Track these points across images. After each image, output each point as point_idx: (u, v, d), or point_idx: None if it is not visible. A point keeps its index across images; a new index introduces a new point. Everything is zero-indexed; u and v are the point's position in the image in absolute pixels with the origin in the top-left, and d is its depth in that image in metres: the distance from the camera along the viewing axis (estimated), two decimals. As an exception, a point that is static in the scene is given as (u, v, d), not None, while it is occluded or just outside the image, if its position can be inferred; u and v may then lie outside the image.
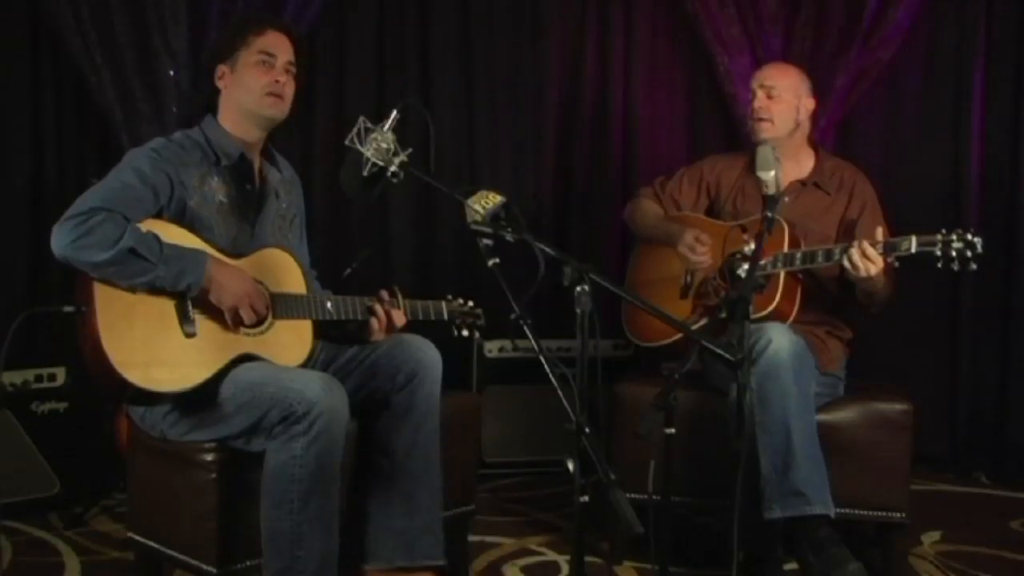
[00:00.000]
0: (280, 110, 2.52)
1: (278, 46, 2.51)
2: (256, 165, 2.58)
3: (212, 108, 2.55)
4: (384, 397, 2.49)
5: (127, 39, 3.71)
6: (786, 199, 3.11)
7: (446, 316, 2.72)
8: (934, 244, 2.65)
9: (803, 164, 3.20)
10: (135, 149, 2.46)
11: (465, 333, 2.76)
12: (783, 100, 3.13)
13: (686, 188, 3.32)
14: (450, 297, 2.75)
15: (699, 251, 3.05)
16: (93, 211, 2.24)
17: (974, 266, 2.63)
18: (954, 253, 2.62)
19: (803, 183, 3.16)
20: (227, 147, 2.51)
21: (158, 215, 2.37)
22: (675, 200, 3.32)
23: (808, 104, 3.18)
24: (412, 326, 2.64)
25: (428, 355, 2.52)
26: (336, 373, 2.42)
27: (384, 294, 2.60)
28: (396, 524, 2.46)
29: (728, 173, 3.27)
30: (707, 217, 3.26)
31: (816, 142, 3.28)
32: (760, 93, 3.14)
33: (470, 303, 2.77)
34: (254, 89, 2.48)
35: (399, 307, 2.60)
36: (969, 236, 2.62)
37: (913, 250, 2.68)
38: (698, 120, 4.39)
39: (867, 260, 2.71)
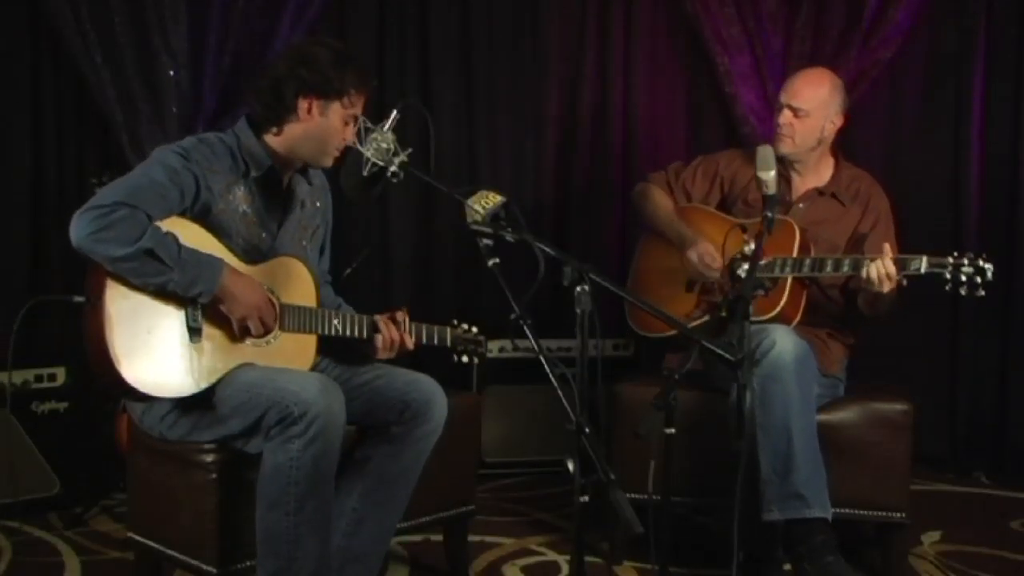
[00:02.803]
0: (331, 164, 2.51)
1: (363, 106, 2.49)
2: (285, 178, 2.56)
3: (271, 119, 2.46)
4: (384, 424, 2.48)
5: (127, 39, 3.71)
6: (801, 206, 3.12)
7: (449, 343, 2.70)
8: (944, 267, 2.65)
9: (822, 173, 3.19)
10: (164, 146, 2.41)
11: (465, 359, 2.74)
12: (809, 120, 3.08)
13: (700, 180, 3.30)
14: (455, 323, 2.73)
15: (707, 264, 3.02)
16: (117, 205, 2.21)
17: (982, 292, 2.62)
18: (964, 278, 2.62)
19: (820, 192, 3.15)
20: (259, 158, 2.47)
21: (182, 214, 2.35)
22: (687, 191, 3.30)
23: (836, 121, 3.14)
24: (415, 347, 2.62)
25: (439, 401, 2.51)
26: (346, 393, 2.38)
27: (398, 315, 2.57)
28: (334, 538, 2.40)
29: (744, 170, 3.23)
30: (717, 211, 3.25)
31: (837, 151, 3.24)
32: (787, 111, 3.09)
33: (474, 329, 2.75)
34: (332, 143, 2.45)
35: (407, 330, 2.57)
36: (980, 262, 2.62)
37: (923, 271, 2.68)
38: (698, 120, 4.39)
39: (885, 278, 2.69)
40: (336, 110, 2.44)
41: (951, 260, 2.65)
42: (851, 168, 3.23)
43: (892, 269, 2.70)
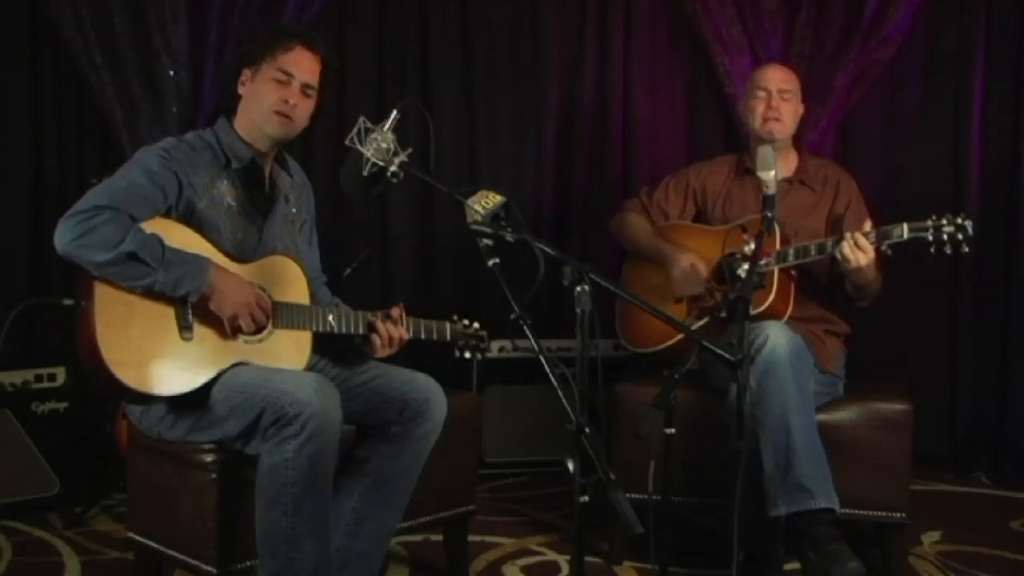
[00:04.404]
0: (285, 131, 2.50)
1: (300, 65, 2.48)
2: (267, 170, 2.57)
3: (229, 110, 2.53)
4: (383, 424, 2.48)
5: (127, 39, 3.72)
6: None
7: (449, 338, 2.70)
8: (925, 229, 2.71)
9: (789, 163, 3.24)
10: (145, 148, 2.44)
11: (467, 355, 2.74)
12: (792, 101, 3.20)
13: (673, 197, 3.33)
14: (455, 318, 2.73)
15: (693, 281, 3.04)
16: (98, 209, 2.23)
17: (966, 248, 2.70)
18: (945, 237, 2.69)
19: (789, 181, 3.19)
20: (238, 150, 2.49)
21: (166, 214, 2.36)
22: (663, 210, 3.33)
23: (801, 108, 3.26)
24: (414, 344, 2.63)
25: (438, 401, 2.51)
26: (345, 393, 2.40)
27: (394, 312, 2.58)
28: (334, 538, 2.40)
29: (713, 179, 3.30)
30: (698, 224, 3.27)
31: (798, 142, 3.33)
32: (776, 96, 3.17)
33: (475, 324, 2.75)
34: (264, 104, 2.47)
35: (402, 325, 2.58)
36: (959, 220, 2.69)
37: (905, 237, 2.74)
38: (698, 120, 4.39)
39: (859, 251, 2.75)
40: (263, 72, 2.48)
41: (930, 222, 2.71)
42: (813, 157, 3.33)
43: (863, 241, 2.75)
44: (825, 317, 3.08)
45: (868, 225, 2.81)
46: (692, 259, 3.06)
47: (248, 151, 2.51)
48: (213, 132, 2.52)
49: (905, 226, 2.74)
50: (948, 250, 2.69)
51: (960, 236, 2.69)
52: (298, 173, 2.70)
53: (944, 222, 2.70)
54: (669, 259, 3.12)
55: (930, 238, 2.70)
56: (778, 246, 2.94)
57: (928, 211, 3.95)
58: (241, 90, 2.51)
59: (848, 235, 2.77)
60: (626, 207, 3.42)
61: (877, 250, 2.77)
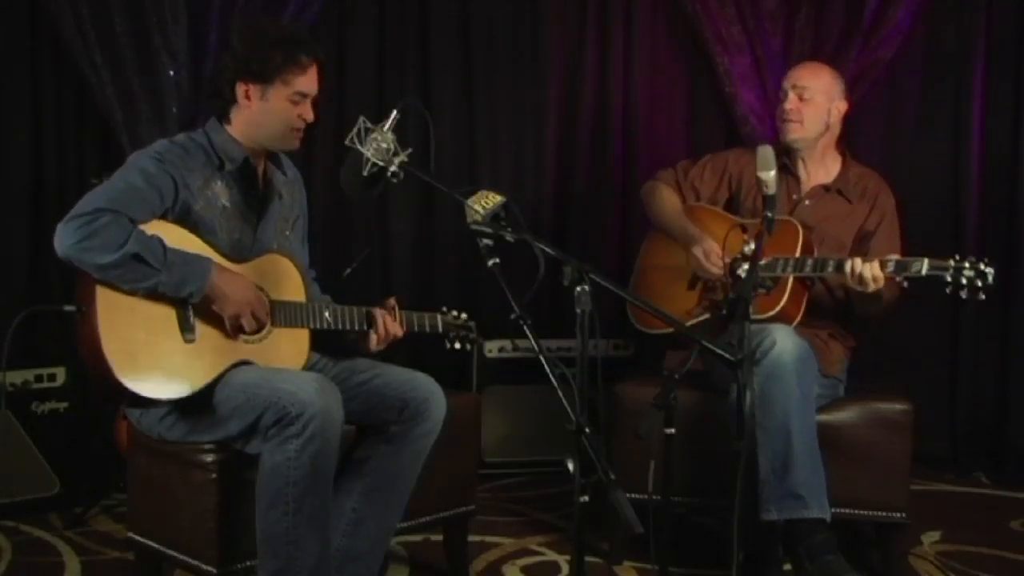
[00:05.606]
0: (298, 144, 2.52)
1: (313, 84, 2.48)
2: (260, 169, 2.57)
3: (220, 111, 2.50)
4: (383, 424, 2.48)
5: (127, 39, 3.71)
6: (807, 203, 3.11)
7: (441, 329, 2.71)
8: (945, 269, 2.63)
9: (829, 168, 3.18)
10: (138, 151, 2.44)
11: (458, 346, 2.76)
12: (814, 102, 3.10)
13: (708, 177, 3.29)
14: (445, 309, 2.74)
15: (712, 262, 3.01)
16: (99, 212, 2.22)
17: (983, 296, 2.61)
18: (964, 281, 2.61)
19: (826, 188, 3.14)
20: (231, 152, 2.48)
21: (162, 217, 2.36)
22: (695, 188, 3.29)
23: (840, 107, 3.16)
24: (411, 340, 2.63)
25: (438, 400, 2.51)
26: (345, 393, 2.40)
27: (388, 303, 2.59)
28: (334, 538, 2.40)
29: (752, 168, 3.21)
30: (724, 211, 3.24)
31: (845, 148, 3.25)
32: (792, 94, 3.11)
33: (463, 315, 2.76)
34: (282, 123, 2.45)
35: (396, 318, 2.58)
36: (981, 266, 2.61)
37: (924, 272, 2.66)
38: (698, 120, 4.38)
39: (869, 280, 2.71)
40: (277, 92, 2.44)
41: (952, 263, 2.63)
42: (859, 166, 3.23)
43: (876, 271, 2.70)
44: (832, 325, 3.06)
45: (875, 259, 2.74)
46: (715, 247, 3.02)
47: (241, 152, 2.49)
48: (204, 133, 2.50)
49: (925, 262, 2.66)
50: (964, 295, 2.61)
51: (979, 283, 2.60)
52: (291, 169, 2.69)
53: (966, 265, 2.61)
54: (692, 239, 3.07)
55: (948, 279, 2.62)
56: (799, 252, 2.90)
57: (927, 212, 3.96)
58: (244, 102, 2.45)
59: (857, 261, 2.72)
60: (659, 176, 3.36)
61: (890, 279, 2.72)
